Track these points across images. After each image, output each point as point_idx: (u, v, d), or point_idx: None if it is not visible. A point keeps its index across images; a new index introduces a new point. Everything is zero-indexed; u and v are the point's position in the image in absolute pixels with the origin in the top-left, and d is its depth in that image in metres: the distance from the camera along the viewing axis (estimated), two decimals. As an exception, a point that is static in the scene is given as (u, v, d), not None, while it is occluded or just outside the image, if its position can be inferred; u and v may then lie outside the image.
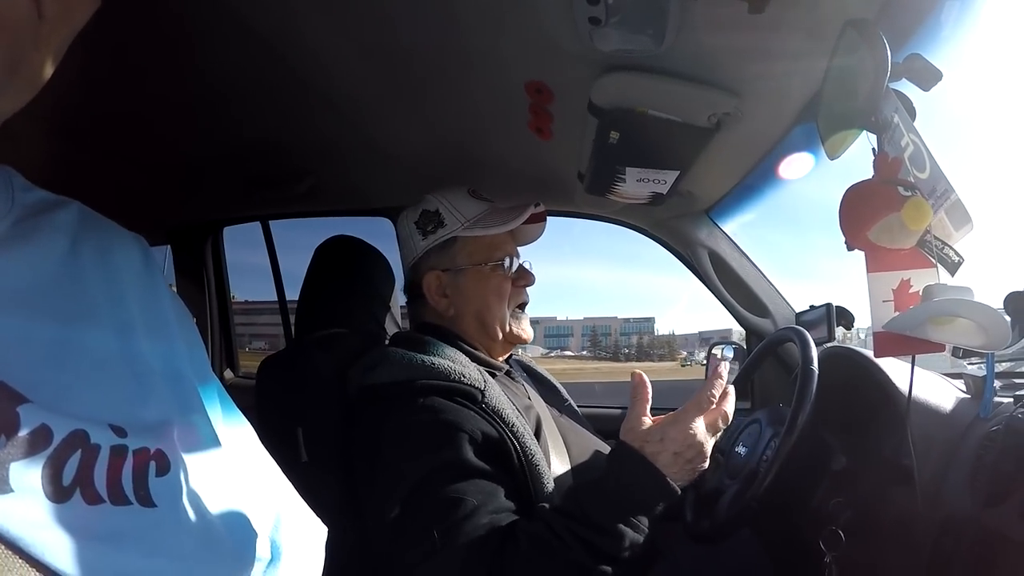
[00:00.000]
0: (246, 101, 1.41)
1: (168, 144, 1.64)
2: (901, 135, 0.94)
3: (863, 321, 1.81)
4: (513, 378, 1.46)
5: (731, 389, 1.16)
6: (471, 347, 1.39)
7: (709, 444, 1.10)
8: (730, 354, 2.19)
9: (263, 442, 0.66)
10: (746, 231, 2.14)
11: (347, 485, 1.25)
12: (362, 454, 1.23)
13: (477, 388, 1.19)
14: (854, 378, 1.50)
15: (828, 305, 1.78)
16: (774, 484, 1.19)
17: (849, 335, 1.94)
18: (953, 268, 0.90)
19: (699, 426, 1.08)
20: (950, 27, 1.00)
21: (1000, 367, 1.39)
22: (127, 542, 0.43)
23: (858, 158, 1.05)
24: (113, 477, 0.44)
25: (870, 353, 1.51)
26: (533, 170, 1.78)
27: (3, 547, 0.37)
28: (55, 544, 0.39)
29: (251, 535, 0.56)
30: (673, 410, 1.12)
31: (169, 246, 2.51)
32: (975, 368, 1.39)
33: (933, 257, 0.92)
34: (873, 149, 1.02)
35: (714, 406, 1.12)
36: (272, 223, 2.47)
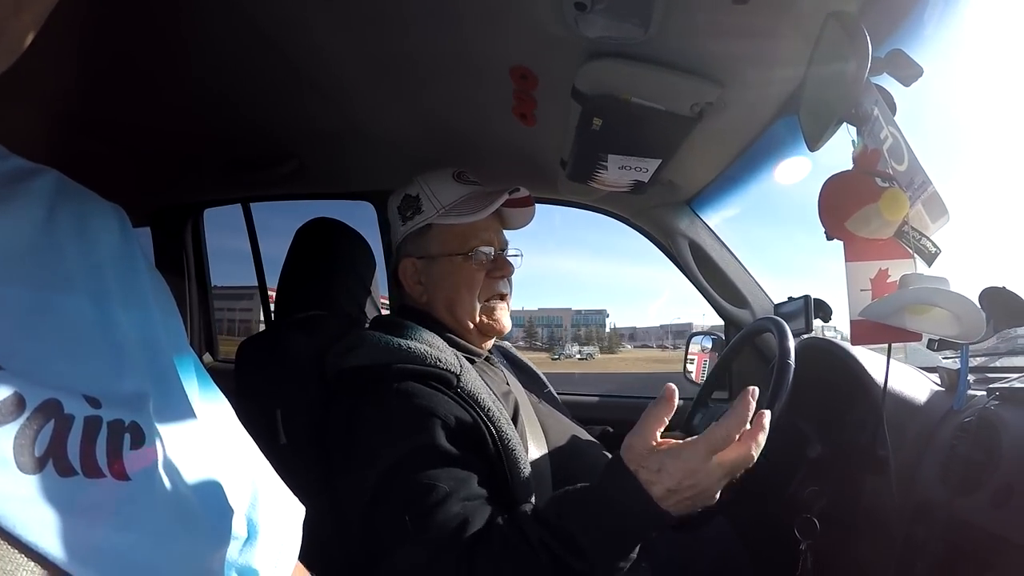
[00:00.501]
0: (230, 81, 1.39)
1: (150, 124, 1.62)
2: (881, 128, 0.95)
3: (837, 320, 1.83)
4: (492, 364, 1.46)
5: (765, 419, 1.00)
6: (450, 333, 1.38)
7: (719, 484, 0.98)
8: (709, 344, 2.20)
9: (242, 423, 0.66)
10: (728, 224, 2.15)
11: (325, 467, 1.24)
12: (337, 437, 1.22)
13: (452, 373, 1.18)
14: (830, 369, 1.52)
15: (806, 297, 1.80)
16: (750, 472, 1.20)
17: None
18: (930, 259, 0.92)
19: (707, 465, 0.95)
20: (933, 25, 1.01)
21: (974, 361, 1.42)
22: (100, 516, 0.42)
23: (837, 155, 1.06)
24: (87, 449, 0.42)
25: (847, 345, 1.53)
26: (516, 156, 1.78)
27: None
28: (25, 516, 0.38)
29: (227, 512, 0.55)
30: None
31: (149, 228, 2.48)
32: (950, 362, 1.41)
33: (910, 248, 0.93)
34: (853, 141, 1.03)
35: (737, 439, 0.96)
36: (253, 209, 2.44)
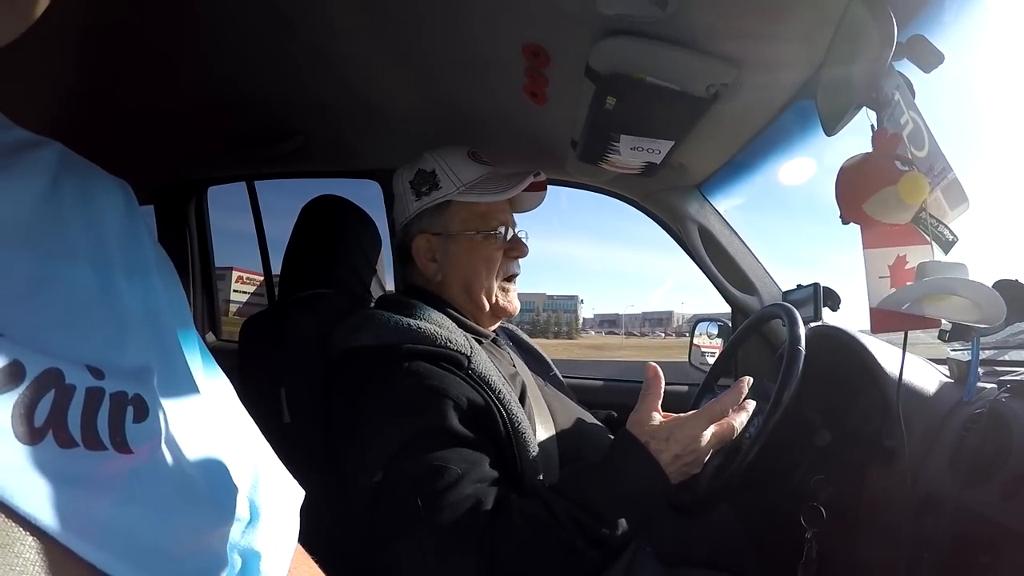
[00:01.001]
0: (236, 54, 1.37)
1: (154, 99, 1.60)
2: (901, 112, 0.94)
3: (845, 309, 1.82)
4: (499, 345, 1.45)
5: (749, 405, 1.18)
6: (458, 313, 1.37)
7: (708, 453, 1.12)
8: (715, 331, 2.19)
9: (245, 402, 0.65)
10: (738, 211, 2.14)
11: (328, 446, 1.23)
12: (343, 417, 1.21)
13: (463, 354, 1.17)
14: (839, 357, 1.50)
15: (815, 285, 1.79)
16: (756, 460, 1.19)
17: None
18: (947, 246, 0.90)
19: (706, 434, 1.10)
20: (954, 11, 1.00)
21: (984, 354, 1.41)
22: (101, 489, 0.41)
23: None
24: (88, 420, 0.41)
25: (856, 333, 1.52)
26: (526, 136, 1.76)
27: None
28: (23, 487, 0.37)
29: (231, 490, 0.54)
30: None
31: (153, 207, 2.47)
32: (959, 354, 1.40)
33: (928, 235, 0.92)
34: (872, 125, 1.01)
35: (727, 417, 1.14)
36: (258, 190, 2.41)
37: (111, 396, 0.43)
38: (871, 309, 0.99)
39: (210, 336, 2.66)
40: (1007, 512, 0.97)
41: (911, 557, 1.13)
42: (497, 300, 1.41)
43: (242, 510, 0.56)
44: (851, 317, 1.72)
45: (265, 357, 1.40)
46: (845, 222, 1.01)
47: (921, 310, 0.89)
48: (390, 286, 1.76)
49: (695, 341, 2.24)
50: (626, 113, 1.35)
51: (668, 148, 1.51)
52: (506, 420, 1.15)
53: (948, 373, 1.39)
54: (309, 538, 0.68)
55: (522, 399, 1.26)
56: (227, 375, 0.63)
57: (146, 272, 0.55)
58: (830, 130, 1.12)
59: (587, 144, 1.56)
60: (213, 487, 0.52)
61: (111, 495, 0.42)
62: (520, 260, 1.47)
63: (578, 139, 1.59)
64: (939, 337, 1.18)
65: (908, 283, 0.95)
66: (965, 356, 1.32)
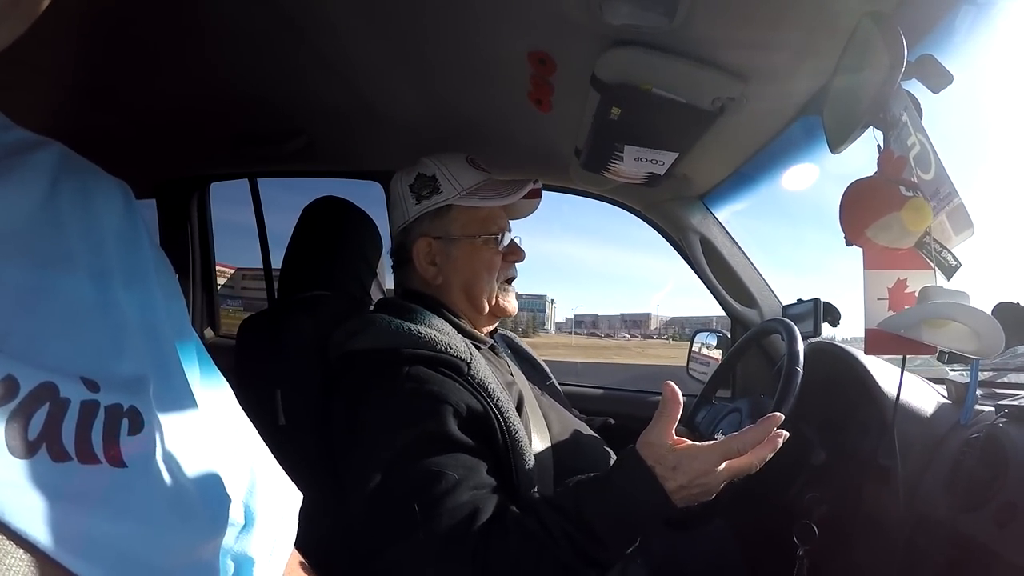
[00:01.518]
0: (242, 54, 1.37)
1: (157, 95, 1.60)
2: (908, 134, 0.93)
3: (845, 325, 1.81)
4: (497, 353, 1.45)
5: (780, 439, 1.05)
6: (456, 318, 1.37)
7: (720, 485, 1.05)
8: (713, 342, 2.19)
9: (241, 403, 0.65)
10: (737, 219, 2.13)
11: (324, 450, 1.23)
12: (341, 421, 1.21)
13: (463, 360, 1.17)
14: (837, 374, 1.50)
15: (816, 300, 1.78)
16: (750, 475, 1.19)
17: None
18: (950, 272, 0.90)
19: (718, 469, 1.03)
20: (964, 32, 0.99)
21: (982, 376, 1.40)
22: (94, 503, 0.41)
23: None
24: (82, 434, 0.41)
25: (854, 350, 1.51)
26: (529, 143, 1.76)
27: None
28: (16, 502, 0.37)
29: (225, 500, 0.54)
30: None
31: (155, 200, 2.47)
32: (957, 375, 1.40)
33: (931, 260, 0.91)
34: (878, 146, 1.01)
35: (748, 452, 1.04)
36: (260, 189, 2.42)
37: (106, 409, 0.43)
38: (867, 330, 0.99)
39: (208, 332, 2.66)
40: (1001, 540, 0.96)
41: (904, 577, 1.13)
42: (497, 301, 1.42)
43: (236, 516, 0.56)
44: (854, 327, 1.72)
45: (262, 358, 1.40)
46: (849, 244, 1.00)
47: (919, 335, 0.89)
48: (390, 287, 1.76)
49: (692, 349, 2.24)
50: (631, 123, 1.34)
51: (672, 159, 1.51)
52: (504, 428, 1.15)
53: (946, 394, 1.39)
54: (303, 541, 0.68)
55: (519, 409, 1.25)
56: (223, 374, 0.64)
57: (145, 279, 0.55)
58: (835, 148, 1.11)
59: (591, 153, 1.56)
60: (207, 499, 0.51)
61: (103, 510, 0.42)
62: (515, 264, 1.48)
63: (582, 147, 1.58)
64: (938, 359, 1.18)
65: (907, 307, 0.95)
66: (964, 377, 1.32)
